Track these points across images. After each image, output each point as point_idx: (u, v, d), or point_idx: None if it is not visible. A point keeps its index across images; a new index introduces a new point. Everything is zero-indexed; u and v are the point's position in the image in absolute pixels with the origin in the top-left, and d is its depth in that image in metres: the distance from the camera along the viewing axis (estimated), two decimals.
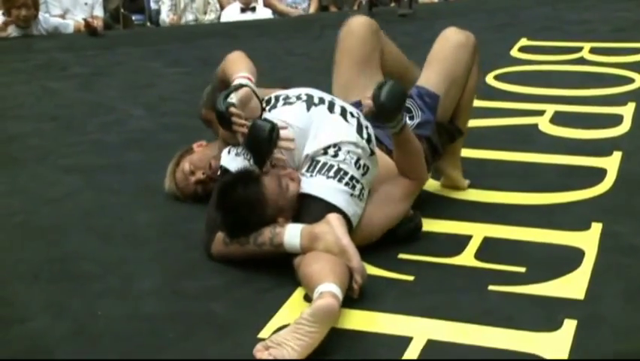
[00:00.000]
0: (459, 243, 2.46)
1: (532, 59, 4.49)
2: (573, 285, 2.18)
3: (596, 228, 2.49)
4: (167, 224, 2.66)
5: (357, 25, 2.71)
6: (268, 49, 5.15)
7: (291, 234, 2.22)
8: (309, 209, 2.29)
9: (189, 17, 6.47)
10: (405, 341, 1.97)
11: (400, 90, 2.30)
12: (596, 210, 2.62)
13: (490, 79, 4.13)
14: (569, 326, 1.99)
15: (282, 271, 2.25)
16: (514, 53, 4.65)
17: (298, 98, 2.44)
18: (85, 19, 5.76)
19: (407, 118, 2.46)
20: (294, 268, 2.22)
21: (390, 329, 2.03)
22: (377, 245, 2.43)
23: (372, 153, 2.41)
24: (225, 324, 2.09)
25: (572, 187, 2.79)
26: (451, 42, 2.78)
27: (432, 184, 2.88)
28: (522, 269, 2.28)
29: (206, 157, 2.74)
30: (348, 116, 2.42)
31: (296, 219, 2.29)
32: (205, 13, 6.53)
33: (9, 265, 2.41)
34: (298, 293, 2.19)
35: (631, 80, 3.98)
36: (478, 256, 2.38)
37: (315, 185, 2.31)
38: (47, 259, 2.45)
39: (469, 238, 2.49)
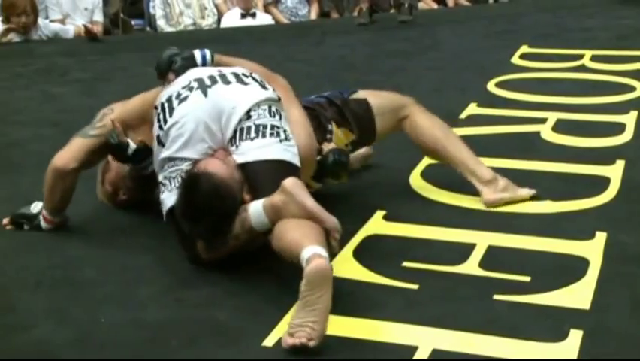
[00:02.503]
0: (463, 251, 2.45)
1: (533, 66, 4.49)
2: (578, 295, 2.18)
3: (601, 237, 2.48)
4: (168, 231, 2.63)
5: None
6: (269, 55, 5.13)
7: (255, 213, 2.19)
8: (257, 177, 2.27)
9: (187, 22, 6.47)
10: (410, 351, 1.96)
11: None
12: (600, 219, 2.61)
13: (491, 86, 4.13)
14: (575, 336, 1.98)
15: (285, 279, 2.23)
16: (515, 60, 4.64)
17: (190, 89, 2.41)
18: (84, 25, 5.76)
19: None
20: (272, 247, 2.19)
21: (396, 338, 2.03)
22: (380, 253, 2.43)
23: (279, 98, 2.43)
24: (229, 332, 2.09)
25: (575, 196, 2.79)
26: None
27: (436, 192, 2.88)
28: (527, 278, 2.27)
29: (120, 176, 2.75)
30: (243, 77, 2.43)
31: (253, 193, 2.25)
32: (203, 17, 6.52)
33: (11, 272, 2.41)
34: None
35: (633, 89, 3.97)
36: (483, 264, 2.37)
37: (245, 152, 2.30)
38: (49, 265, 2.44)
39: (473, 246, 2.48)
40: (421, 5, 6.64)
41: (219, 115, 2.34)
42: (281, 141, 2.32)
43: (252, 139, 2.30)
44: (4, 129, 3.73)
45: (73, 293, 2.28)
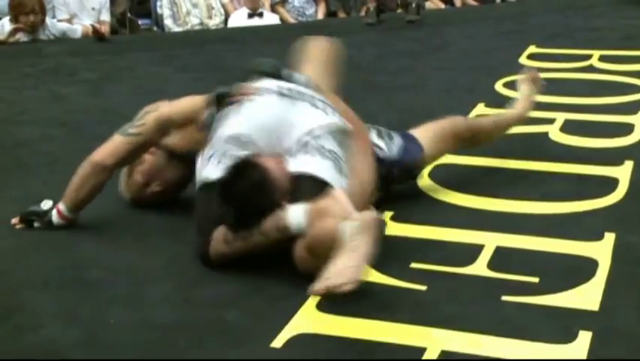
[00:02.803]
0: (471, 252, 2.44)
1: (541, 66, 4.46)
2: (587, 296, 2.17)
3: (609, 238, 2.48)
4: (178, 231, 2.64)
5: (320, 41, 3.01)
6: (276, 55, 5.09)
7: (295, 214, 2.21)
8: (302, 188, 2.29)
9: (194, 21, 6.47)
10: (419, 352, 1.96)
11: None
12: (608, 220, 2.61)
13: (499, 86, 4.12)
14: (584, 337, 1.98)
15: (294, 280, 2.24)
16: (523, 60, 4.63)
17: (269, 91, 2.47)
18: (92, 25, 5.77)
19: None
20: (295, 255, 2.20)
21: (404, 340, 2.02)
22: (388, 254, 2.42)
23: (346, 130, 2.45)
24: (237, 333, 2.09)
25: (584, 196, 2.78)
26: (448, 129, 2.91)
27: (444, 193, 2.88)
28: (535, 279, 2.27)
29: (157, 167, 2.74)
30: (318, 102, 2.47)
31: (292, 201, 2.27)
32: (210, 17, 6.53)
33: (20, 272, 2.41)
34: (311, 302, 2.18)
35: None
36: (491, 265, 2.37)
37: (301, 163, 2.33)
38: (58, 266, 2.45)
39: (481, 247, 2.48)
40: (428, 5, 6.63)
41: (285, 124, 2.40)
42: (336, 168, 2.35)
43: (311, 155, 2.34)
44: (13, 129, 3.74)
45: (81, 294, 2.28)
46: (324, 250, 2.11)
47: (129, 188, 2.81)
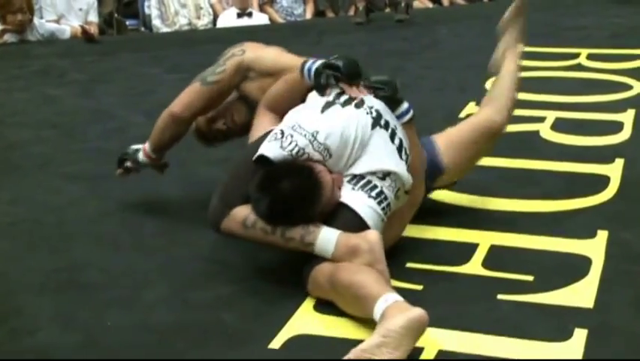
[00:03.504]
0: (466, 251, 2.46)
1: (530, 64, 4.49)
2: (582, 294, 2.19)
3: (602, 235, 2.50)
4: (174, 232, 2.65)
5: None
6: None
7: (327, 237, 2.16)
8: (340, 217, 2.23)
9: (183, 21, 6.46)
10: (416, 352, 1.96)
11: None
12: (601, 218, 2.63)
13: (489, 85, 4.13)
14: (580, 335, 2.00)
15: (291, 282, 2.25)
16: None
17: (369, 111, 2.33)
18: (82, 26, 5.75)
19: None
20: (312, 275, 2.17)
21: None
22: (384, 255, 2.43)
23: (407, 192, 2.37)
24: (236, 334, 2.09)
25: (576, 194, 2.80)
26: (483, 130, 2.70)
27: (436, 192, 2.88)
28: (530, 278, 2.29)
29: (230, 107, 2.69)
30: (403, 151, 2.35)
31: (324, 221, 2.22)
32: (198, 17, 6.52)
33: (16, 275, 2.41)
34: (307, 304, 2.19)
35: (629, 87, 4.00)
36: (486, 264, 2.39)
37: (355, 198, 2.25)
38: (54, 268, 2.44)
39: (475, 246, 2.49)
40: (415, 4, 6.66)
41: (364, 150, 2.28)
42: (382, 220, 2.26)
43: (369, 196, 2.24)
44: (4, 131, 3.73)
45: (78, 296, 2.28)
46: (345, 299, 2.09)
47: (198, 119, 2.72)
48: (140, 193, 2.95)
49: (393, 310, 1.91)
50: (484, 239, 2.53)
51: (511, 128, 3.48)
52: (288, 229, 2.19)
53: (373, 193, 2.26)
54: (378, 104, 2.36)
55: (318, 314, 2.14)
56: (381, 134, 2.31)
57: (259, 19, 6.46)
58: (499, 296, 2.20)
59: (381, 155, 2.29)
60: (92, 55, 5.21)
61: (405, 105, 2.40)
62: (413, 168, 2.37)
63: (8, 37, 5.42)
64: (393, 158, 2.31)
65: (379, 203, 2.26)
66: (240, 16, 6.37)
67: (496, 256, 2.43)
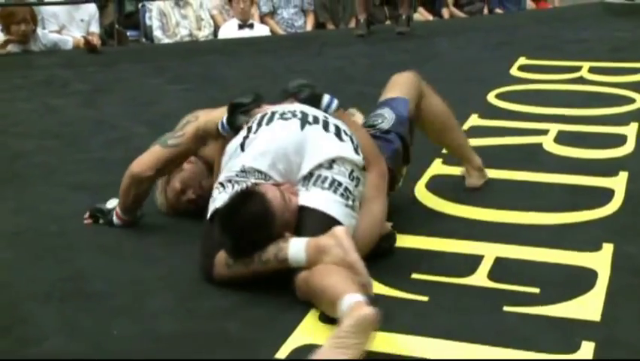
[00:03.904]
0: (471, 263, 2.46)
1: (532, 77, 4.52)
2: (588, 306, 2.19)
3: (608, 248, 2.50)
4: (178, 242, 2.65)
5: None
6: (268, 66, 5.17)
7: (296, 248, 2.22)
8: (307, 222, 2.30)
9: (184, 32, 6.48)
10: None
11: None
12: (606, 231, 2.63)
13: (491, 97, 4.15)
14: (587, 348, 1.99)
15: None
16: (514, 71, 4.67)
17: (294, 115, 2.46)
18: (84, 37, 5.76)
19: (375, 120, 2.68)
20: (295, 283, 2.21)
21: (406, 351, 2.03)
22: (389, 265, 2.43)
23: (364, 168, 2.45)
24: (240, 344, 2.09)
25: (580, 207, 2.81)
26: (399, 75, 2.96)
27: (441, 204, 2.90)
28: (536, 290, 2.28)
29: (196, 176, 2.77)
30: (342, 134, 2.45)
31: (296, 232, 2.29)
32: (199, 29, 6.54)
33: (21, 284, 2.40)
34: (313, 314, 2.19)
35: (632, 100, 4.01)
36: (492, 276, 2.39)
37: (312, 197, 2.32)
38: (59, 277, 2.44)
39: (480, 258, 2.49)
40: (415, 17, 6.68)
41: (303, 152, 2.37)
42: (347, 206, 2.33)
43: (322, 188, 2.33)
44: (7, 141, 3.72)
45: (84, 305, 2.28)
46: (321, 303, 2.13)
47: (166, 194, 2.83)
48: (143, 203, 2.95)
49: (349, 311, 1.96)
50: (490, 251, 2.53)
51: (515, 140, 3.52)
52: (262, 253, 2.24)
53: (326, 184, 2.33)
54: (300, 107, 2.51)
55: (323, 324, 2.14)
56: (314, 129, 2.42)
57: (260, 30, 6.47)
58: (505, 308, 2.20)
59: (320, 147, 2.38)
60: (95, 65, 5.21)
61: (326, 98, 2.55)
62: (363, 144, 2.48)
63: (12, 48, 5.42)
64: (333, 145, 2.40)
65: (335, 191, 2.32)
66: (241, 27, 6.39)
67: (502, 268, 2.43)
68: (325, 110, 2.53)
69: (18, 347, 2.07)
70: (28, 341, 2.10)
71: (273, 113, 2.48)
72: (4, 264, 2.54)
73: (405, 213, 2.82)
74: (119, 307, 2.27)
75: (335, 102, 2.56)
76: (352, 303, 1.97)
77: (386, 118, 2.73)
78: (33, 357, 2.04)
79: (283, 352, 2.03)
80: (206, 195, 2.70)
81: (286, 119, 2.44)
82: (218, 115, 2.62)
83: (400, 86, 2.89)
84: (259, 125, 2.46)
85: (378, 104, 2.85)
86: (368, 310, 1.94)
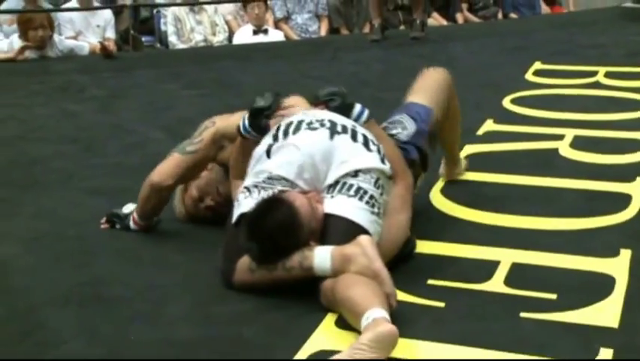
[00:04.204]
0: (488, 269, 2.46)
1: (547, 82, 4.51)
2: (606, 313, 2.18)
3: (625, 254, 2.49)
4: (195, 248, 2.66)
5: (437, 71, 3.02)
6: (283, 72, 5.19)
7: (321, 256, 2.22)
8: (333, 229, 2.30)
9: (198, 38, 6.51)
10: None
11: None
12: (623, 237, 2.62)
13: (507, 102, 4.15)
14: (606, 355, 1.98)
15: (313, 297, 2.25)
16: (529, 76, 4.66)
17: (322, 124, 2.46)
18: (101, 43, 5.79)
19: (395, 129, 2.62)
20: (321, 290, 2.22)
21: (422, 356, 2.03)
22: (405, 270, 2.44)
23: (390, 177, 2.45)
24: (258, 349, 2.10)
25: (597, 213, 2.80)
26: (431, 74, 2.95)
27: (457, 209, 2.90)
28: (553, 296, 2.28)
29: (213, 182, 2.77)
30: (370, 144, 2.45)
31: (320, 240, 2.29)
32: (214, 34, 6.56)
33: (40, 289, 2.42)
34: (329, 319, 2.19)
35: None
36: (508, 282, 2.38)
37: (337, 204, 2.32)
38: (77, 282, 2.46)
39: (497, 263, 2.49)
40: (430, 22, 6.68)
41: (331, 161, 2.38)
42: (372, 213, 2.33)
43: (348, 196, 2.33)
44: (26, 146, 3.75)
45: (102, 310, 2.29)
46: (344, 313, 2.14)
47: (184, 202, 2.83)
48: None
49: (371, 325, 1.97)
50: (506, 257, 2.53)
51: (531, 145, 3.51)
52: (286, 260, 2.25)
53: (351, 192, 2.33)
54: (329, 115, 2.50)
55: (340, 330, 2.14)
56: (343, 139, 2.42)
57: (274, 36, 6.49)
58: (522, 314, 2.19)
59: (348, 157, 2.38)
60: (110, 71, 5.24)
61: (357, 108, 2.54)
62: (390, 156, 2.48)
63: (29, 54, 5.47)
64: (360, 154, 2.40)
65: (360, 198, 2.32)
66: (255, 33, 6.41)
67: (518, 274, 2.42)
68: (355, 120, 2.52)
69: (36, 351, 2.09)
70: (46, 345, 2.11)
71: (299, 122, 2.48)
72: (23, 269, 2.56)
73: (420, 219, 2.81)
74: (137, 313, 2.28)
75: (366, 113, 2.54)
76: (375, 318, 1.98)
77: (406, 128, 2.70)
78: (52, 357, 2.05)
79: (300, 357, 2.04)
80: (223, 202, 2.72)
81: (314, 129, 2.44)
82: (236, 119, 2.62)
83: (430, 89, 2.86)
84: (285, 134, 2.46)
85: (403, 106, 2.82)
86: (389, 328, 1.95)
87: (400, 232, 2.43)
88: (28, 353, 2.08)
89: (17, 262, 2.60)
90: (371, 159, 2.40)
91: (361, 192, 2.34)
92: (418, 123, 2.73)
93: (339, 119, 2.50)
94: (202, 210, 2.80)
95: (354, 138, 2.45)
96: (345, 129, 2.46)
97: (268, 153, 2.44)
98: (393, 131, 2.70)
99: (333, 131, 2.44)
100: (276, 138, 2.46)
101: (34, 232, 2.80)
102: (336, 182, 2.36)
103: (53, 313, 2.28)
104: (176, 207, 2.85)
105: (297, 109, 2.58)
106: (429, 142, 2.77)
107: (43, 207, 3.05)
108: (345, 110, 2.52)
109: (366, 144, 2.45)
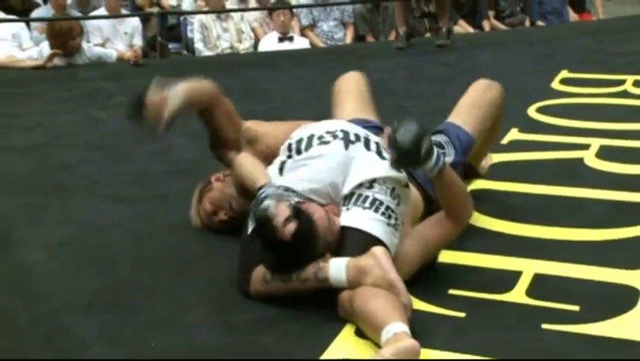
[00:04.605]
0: (509, 279, 2.44)
1: (574, 91, 4.48)
2: (630, 325, 2.15)
3: None
4: (216, 255, 2.67)
5: (351, 74, 3.05)
6: (307, 79, 5.20)
7: (336, 268, 2.22)
8: (349, 241, 2.30)
9: (224, 45, 6.55)
10: None
11: (417, 131, 2.19)
12: None
13: (532, 111, 4.12)
14: None
15: (332, 306, 2.24)
16: (556, 85, 4.63)
17: (334, 136, 2.46)
18: (134, 51, 5.78)
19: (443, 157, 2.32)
20: (339, 302, 2.22)
21: None
22: (426, 280, 2.43)
23: (407, 185, 2.44)
24: (276, 357, 2.10)
25: (622, 223, 2.76)
26: (486, 93, 2.91)
27: (480, 219, 2.87)
28: (575, 308, 2.26)
29: (226, 197, 2.77)
30: (384, 152, 2.45)
31: (336, 252, 2.29)
32: (240, 41, 6.60)
33: (63, 295, 2.44)
34: (349, 329, 2.19)
35: None
36: (530, 293, 2.36)
37: (352, 217, 2.32)
38: (100, 288, 2.48)
39: (519, 274, 2.47)
40: (456, 29, 6.67)
41: (347, 172, 2.38)
42: (388, 224, 2.32)
43: (363, 208, 2.32)
44: (52, 153, 3.80)
45: (123, 317, 2.31)
46: (363, 326, 2.14)
47: (197, 215, 2.84)
48: (184, 215, 2.97)
49: (391, 340, 1.97)
50: (528, 267, 2.51)
51: (556, 155, 3.49)
52: (301, 272, 2.24)
53: (367, 203, 2.32)
54: (340, 124, 2.53)
55: (359, 339, 2.14)
56: (357, 148, 2.43)
57: (300, 43, 6.52)
58: (544, 326, 2.17)
59: (362, 167, 2.37)
60: (137, 78, 5.28)
61: (430, 164, 2.26)
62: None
63: (57, 61, 5.53)
64: (374, 164, 2.39)
65: (376, 210, 2.31)
66: (281, 40, 6.44)
67: (541, 285, 2.40)
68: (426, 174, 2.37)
69: (59, 356, 2.11)
70: (69, 350, 2.13)
71: (310, 138, 2.48)
72: (48, 274, 2.59)
73: None
74: (158, 319, 2.29)
75: (439, 164, 2.28)
76: (396, 333, 1.98)
77: (445, 154, 2.63)
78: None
79: None
80: (237, 217, 2.73)
81: (327, 142, 2.45)
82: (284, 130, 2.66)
83: (479, 112, 2.82)
84: (298, 151, 2.47)
85: (448, 123, 2.78)
86: (411, 343, 1.95)
87: (422, 262, 2.40)
88: (52, 358, 2.10)
89: (42, 268, 2.63)
90: (385, 168, 2.39)
91: (377, 203, 2.33)
92: (458, 155, 2.70)
93: (352, 128, 2.51)
94: (216, 223, 2.80)
95: (367, 146, 2.45)
96: (358, 137, 2.47)
97: (281, 170, 2.47)
98: None
99: (347, 141, 2.44)
100: (289, 156, 2.48)
101: (59, 238, 2.83)
102: (352, 193, 2.36)
103: (76, 318, 2.30)
104: (191, 217, 2.85)
105: (301, 126, 2.59)
106: (462, 174, 2.70)
107: (69, 213, 3.08)
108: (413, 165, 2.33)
109: (379, 152, 2.45)
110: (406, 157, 2.22)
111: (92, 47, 5.87)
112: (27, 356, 2.12)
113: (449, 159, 2.65)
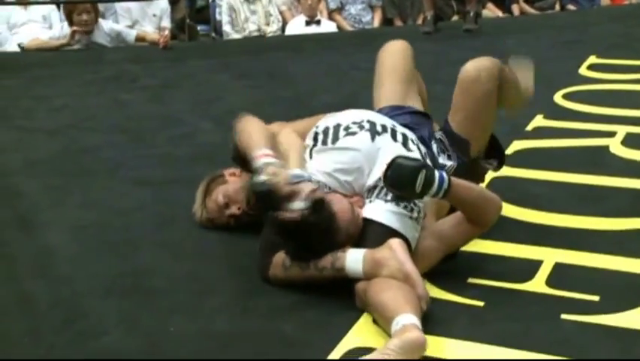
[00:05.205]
0: (529, 268, 2.43)
1: (601, 77, 4.42)
2: None
3: None
4: (237, 241, 2.68)
5: (397, 44, 2.89)
6: (333, 63, 5.17)
7: (353, 258, 2.23)
8: (369, 233, 2.30)
9: (252, 28, 6.53)
10: None
11: (409, 169, 2.23)
12: None
13: (558, 98, 4.07)
14: None
15: (350, 295, 2.25)
16: (583, 71, 4.57)
17: (361, 127, 2.45)
18: (163, 35, 5.76)
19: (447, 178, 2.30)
20: (355, 292, 2.23)
21: (461, 356, 2.02)
22: (445, 268, 2.42)
23: None
24: (295, 344, 2.11)
25: None
26: (471, 93, 2.73)
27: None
28: (595, 298, 2.24)
29: (241, 191, 2.71)
30: (410, 143, 2.44)
31: (356, 243, 2.30)
32: (267, 24, 6.58)
33: (83, 279, 2.46)
34: (366, 316, 2.20)
35: None
36: (550, 282, 2.35)
37: (374, 209, 2.32)
38: (119, 273, 2.50)
39: (539, 263, 2.46)
40: (485, 13, 6.59)
41: (374, 162, 2.38)
42: (410, 218, 2.31)
43: (386, 201, 2.32)
44: (77, 135, 3.82)
45: (143, 302, 2.33)
46: (376, 316, 2.15)
47: (208, 206, 2.75)
48: None
49: (400, 331, 1.97)
50: (549, 256, 2.49)
51: (580, 142, 3.45)
52: (319, 260, 2.25)
53: (389, 196, 2.32)
54: (367, 114, 2.50)
55: (377, 327, 2.14)
56: (384, 139, 2.42)
57: (327, 26, 6.48)
58: (563, 316, 2.16)
59: (387, 159, 2.32)
60: (163, 61, 5.30)
61: (432, 191, 2.27)
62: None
63: (79, 37, 5.54)
64: (400, 154, 2.35)
65: (397, 203, 2.30)
66: (308, 23, 6.41)
67: (561, 275, 2.39)
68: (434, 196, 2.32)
69: (78, 340, 2.13)
70: (87, 334, 2.16)
71: (336, 128, 2.48)
72: (68, 257, 2.61)
73: None
74: (177, 304, 2.31)
75: (444, 186, 2.28)
76: (404, 325, 1.98)
77: (447, 166, 2.60)
78: (93, 351, 2.09)
79: (336, 353, 2.04)
80: (249, 212, 2.69)
81: (353, 133, 2.44)
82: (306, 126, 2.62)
83: (472, 114, 2.66)
84: (324, 142, 2.46)
85: (445, 122, 2.69)
86: (416, 335, 1.95)
87: (440, 258, 2.39)
88: (70, 342, 2.13)
89: (63, 251, 2.65)
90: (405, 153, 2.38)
91: (397, 196, 2.31)
92: (459, 158, 2.62)
93: (378, 118, 2.49)
94: (225, 217, 2.73)
95: (394, 137, 2.44)
96: (385, 128, 2.46)
97: (309, 155, 2.47)
98: (440, 160, 2.61)
99: (373, 132, 2.43)
100: (314, 145, 2.48)
101: (81, 221, 2.85)
102: (375, 185, 2.35)
103: (95, 302, 2.32)
104: (196, 211, 2.77)
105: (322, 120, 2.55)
106: (471, 171, 2.62)
107: (91, 196, 3.10)
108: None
109: (405, 143, 2.44)
110: (402, 196, 2.30)
111: (110, 22, 5.87)
112: (43, 339, 2.14)
113: (452, 162, 2.61)
